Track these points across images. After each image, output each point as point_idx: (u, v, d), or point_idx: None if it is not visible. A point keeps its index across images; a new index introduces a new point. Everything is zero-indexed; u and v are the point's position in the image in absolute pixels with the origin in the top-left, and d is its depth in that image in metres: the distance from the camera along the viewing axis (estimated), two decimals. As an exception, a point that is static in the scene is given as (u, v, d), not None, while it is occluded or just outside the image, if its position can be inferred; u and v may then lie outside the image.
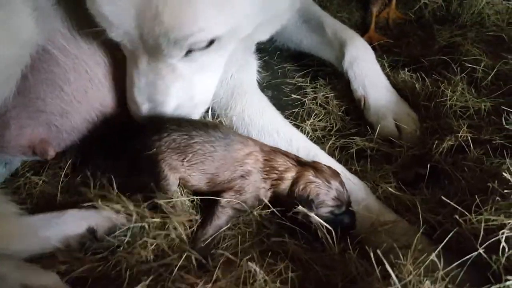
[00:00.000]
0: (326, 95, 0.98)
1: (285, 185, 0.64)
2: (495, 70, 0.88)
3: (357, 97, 0.91)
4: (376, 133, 0.83)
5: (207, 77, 0.70)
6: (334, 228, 0.59)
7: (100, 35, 0.63)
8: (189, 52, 0.64)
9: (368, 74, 0.92)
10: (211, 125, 0.67)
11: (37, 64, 0.68)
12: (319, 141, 0.85)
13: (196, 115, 0.73)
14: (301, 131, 0.86)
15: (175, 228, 0.60)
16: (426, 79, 0.91)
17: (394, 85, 0.94)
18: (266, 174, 0.64)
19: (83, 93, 0.70)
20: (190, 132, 0.64)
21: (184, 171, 0.63)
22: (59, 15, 0.69)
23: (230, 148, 0.64)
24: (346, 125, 0.91)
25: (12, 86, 0.66)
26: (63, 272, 0.58)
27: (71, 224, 0.61)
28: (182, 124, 0.66)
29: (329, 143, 0.83)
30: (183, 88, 0.67)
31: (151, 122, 0.67)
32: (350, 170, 0.75)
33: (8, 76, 0.65)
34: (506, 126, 0.73)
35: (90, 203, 0.61)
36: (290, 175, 0.64)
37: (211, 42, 0.63)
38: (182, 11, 0.59)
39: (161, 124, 0.66)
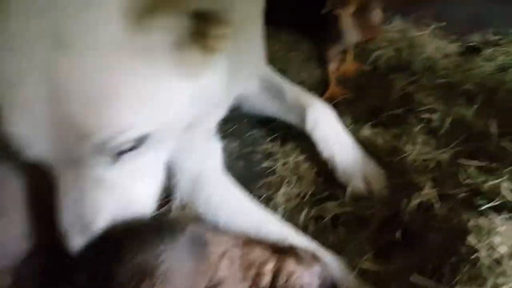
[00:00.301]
0: (297, 159, 1.00)
1: (266, 280, 0.61)
2: (450, 119, 0.93)
3: (324, 159, 0.94)
4: (347, 195, 0.86)
5: (145, 179, 0.64)
6: None
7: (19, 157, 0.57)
8: (119, 155, 0.58)
9: (331, 136, 0.95)
10: (177, 226, 0.64)
11: None
12: (293, 212, 0.86)
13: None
14: (275, 203, 0.88)
15: None
16: (387, 133, 0.95)
17: (358, 141, 0.97)
18: (244, 272, 0.61)
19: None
20: (156, 247, 0.58)
21: None
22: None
23: (201, 254, 0.60)
24: (319, 189, 0.92)
25: None
26: None
27: None
28: (142, 240, 0.58)
29: (303, 213, 0.84)
30: (115, 199, 0.60)
31: (106, 250, 0.59)
32: (326, 240, 0.76)
33: None
34: (465, 178, 0.77)
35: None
36: (269, 268, 0.61)
37: (140, 141, 0.58)
38: (98, 113, 0.54)
39: (117, 251, 0.57)
